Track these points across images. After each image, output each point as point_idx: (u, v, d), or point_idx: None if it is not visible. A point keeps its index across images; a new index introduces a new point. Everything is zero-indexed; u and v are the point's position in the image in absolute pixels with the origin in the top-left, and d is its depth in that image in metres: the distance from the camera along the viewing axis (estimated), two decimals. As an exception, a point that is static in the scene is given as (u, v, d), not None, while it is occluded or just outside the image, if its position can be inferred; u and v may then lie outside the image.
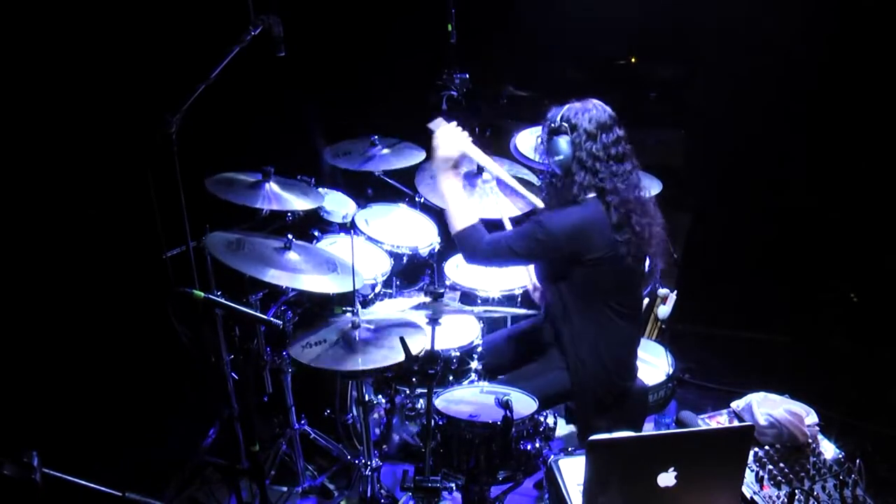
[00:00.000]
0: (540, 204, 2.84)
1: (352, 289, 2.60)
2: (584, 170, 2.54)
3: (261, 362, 3.14)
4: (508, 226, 2.87)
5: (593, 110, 2.57)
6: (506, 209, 3.03)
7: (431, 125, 2.75)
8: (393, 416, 3.08)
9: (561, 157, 2.58)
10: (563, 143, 2.56)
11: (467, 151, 2.72)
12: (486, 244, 2.57)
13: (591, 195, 2.54)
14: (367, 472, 2.87)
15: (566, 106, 2.62)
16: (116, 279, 3.57)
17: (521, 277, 3.11)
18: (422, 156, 3.39)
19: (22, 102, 3.27)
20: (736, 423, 2.44)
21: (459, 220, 2.61)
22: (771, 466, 2.24)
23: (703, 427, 2.39)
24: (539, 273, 2.83)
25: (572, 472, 2.17)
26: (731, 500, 1.98)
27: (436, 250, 3.38)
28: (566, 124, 2.56)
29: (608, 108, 2.60)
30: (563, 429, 2.96)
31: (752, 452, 2.25)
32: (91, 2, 3.35)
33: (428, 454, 2.00)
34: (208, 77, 2.41)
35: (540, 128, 2.71)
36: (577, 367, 2.65)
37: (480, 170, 3.18)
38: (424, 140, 3.51)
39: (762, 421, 2.36)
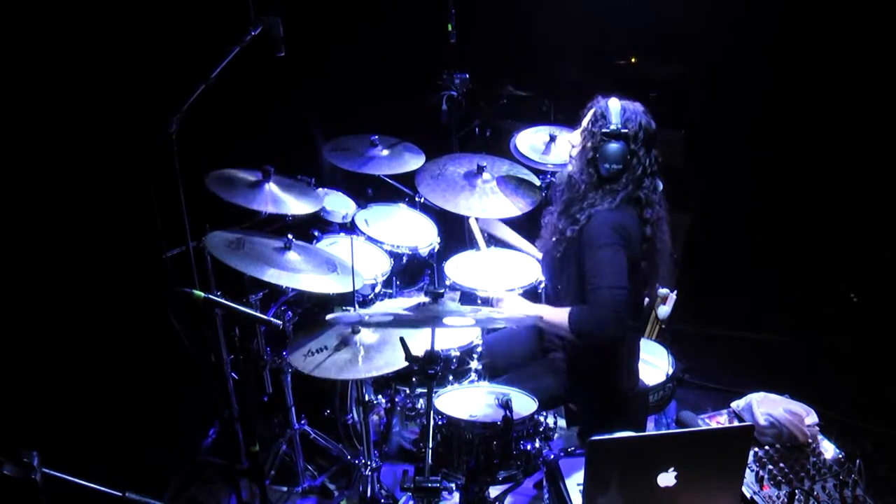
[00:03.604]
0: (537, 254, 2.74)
1: (352, 289, 2.60)
2: (633, 181, 2.46)
3: (261, 362, 3.14)
4: (475, 230, 2.73)
5: (646, 118, 2.47)
6: (501, 209, 3.03)
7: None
8: (393, 415, 3.08)
9: (619, 165, 2.43)
10: (621, 147, 2.42)
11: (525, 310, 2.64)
12: (597, 312, 2.37)
13: (629, 203, 2.48)
14: (367, 472, 2.87)
15: (621, 105, 2.46)
16: (116, 279, 3.58)
17: (523, 277, 3.12)
18: (421, 159, 3.39)
19: (22, 103, 3.27)
20: (736, 423, 2.44)
21: (561, 322, 2.45)
22: (771, 466, 2.24)
23: (703, 427, 2.39)
24: (552, 275, 2.72)
25: (572, 472, 2.17)
26: (731, 500, 1.98)
27: (436, 250, 3.38)
28: (626, 130, 2.43)
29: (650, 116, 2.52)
30: (563, 429, 2.96)
31: (752, 452, 2.26)
32: (91, 2, 3.36)
33: (428, 454, 2.00)
34: (208, 77, 2.41)
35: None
36: (581, 374, 2.64)
37: (480, 169, 3.19)
38: (424, 141, 3.53)
39: (762, 421, 2.36)
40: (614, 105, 2.48)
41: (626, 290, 2.36)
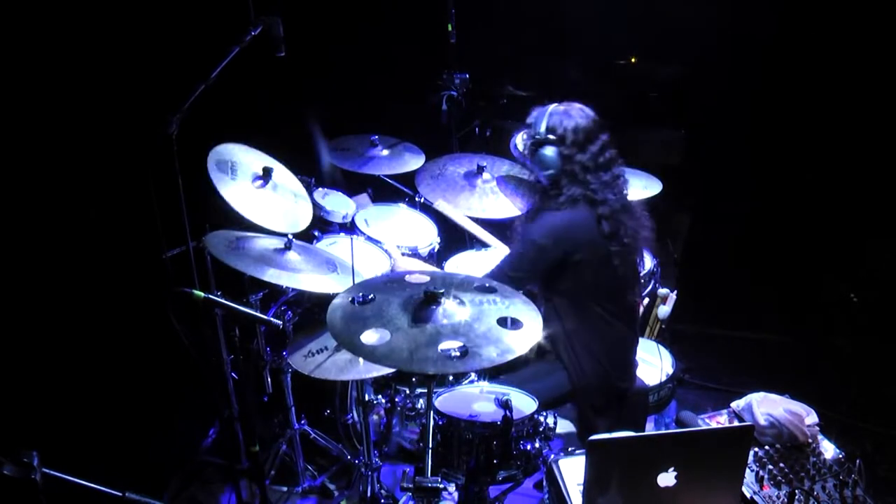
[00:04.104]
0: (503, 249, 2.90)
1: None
2: (575, 182, 2.52)
3: (261, 362, 3.14)
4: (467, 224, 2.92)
5: (578, 118, 2.52)
6: (501, 209, 3.03)
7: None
8: (393, 415, 3.08)
9: (551, 170, 2.54)
10: (551, 153, 2.52)
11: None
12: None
13: (579, 202, 2.53)
14: (367, 472, 2.87)
15: (548, 111, 2.55)
16: (116, 279, 3.57)
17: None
18: (421, 159, 3.39)
19: (22, 103, 3.26)
20: (736, 423, 2.44)
21: None
22: (771, 466, 2.24)
23: (703, 427, 2.39)
24: None
25: (572, 472, 2.17)
26: (731, 500, 1.98)
27: (435, 250, 3.38)
28: (552, 135, 2.51)
29: (591, 112, 2.57)
30: (563, 429, 2.96)
31: (752, 452, 2.25)
32: (91, 2, 3.35)
33: (428, 454, 2.00)
34: (208, 77, 2.41)
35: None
36: (574, 370, 2.65)
37: (480, 169, 3.19)
38: (424, 141, 3.53)
39: (762, 421, 2.36)
40: (540, 113, 2.56)
41: (511, 280, 2.43)
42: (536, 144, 2.54)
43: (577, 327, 2.61)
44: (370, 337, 1.96)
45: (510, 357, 1.89)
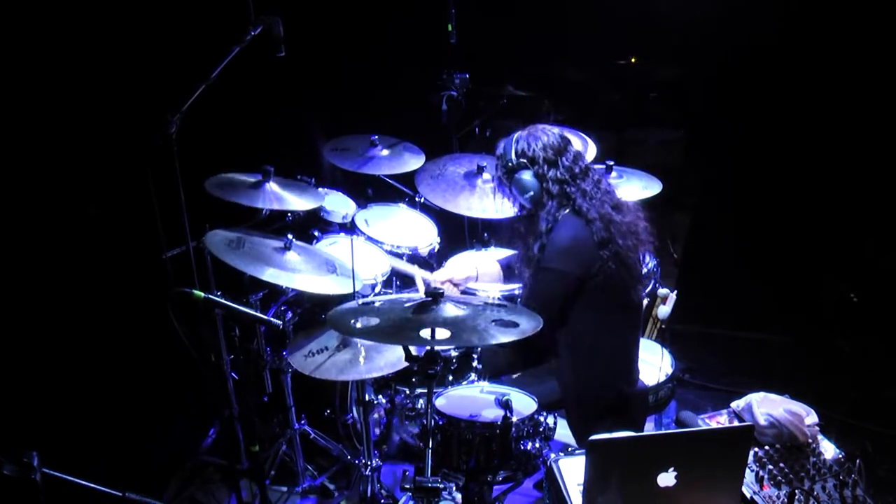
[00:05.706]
0: (428, 276, 2.94)
1: (352, 290, 2.60)
2: (556, 197, 2.55)
3: (261, 362, 3.14)
4: (420, 286, 2.95)
5: (543, 136, 2.57)
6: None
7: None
8: (393, 416, 3.08)
9: (531, 192, 2.58)
10: (527, 176, 2.56)
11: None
12: None
13: (567, 213, 2.54)
14: (367, 472, 2.87)
15: (514, 138, 2.60)
16: (116, 279, 3.58)
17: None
18: (421, 159, 3.39)
19: (22, 103, 3.27)
20: (736, 423, 2.44)
21: None
22: (771, 466, 2.24)
23: (703, 427, 2.39)
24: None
25: (572, 472, 2.17)
26: (731, 500, 1.98)
27: (435, 250, 3.38)
28: (524, 159, 2.55)
29: (555, 129, 2.61)
30: (564, 429, 2.96)
31: (752, 452, 2.25)
32: (91, 2, 3.36)
33: (428, 454, 2.00)
34: (209, 77, 2.41)
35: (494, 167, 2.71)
36: (574, 378, 2.64)
37: (480, 169, 3.19)
38: (424, 141, 3.53)
39: (762, 421, 2.36)
40: (507, 142, 2.61)
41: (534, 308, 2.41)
42: (511, 172, 2.59)
43: (582, 337, 2.59)
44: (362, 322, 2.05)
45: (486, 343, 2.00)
